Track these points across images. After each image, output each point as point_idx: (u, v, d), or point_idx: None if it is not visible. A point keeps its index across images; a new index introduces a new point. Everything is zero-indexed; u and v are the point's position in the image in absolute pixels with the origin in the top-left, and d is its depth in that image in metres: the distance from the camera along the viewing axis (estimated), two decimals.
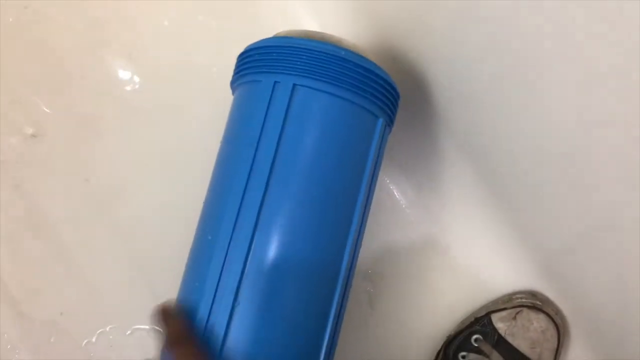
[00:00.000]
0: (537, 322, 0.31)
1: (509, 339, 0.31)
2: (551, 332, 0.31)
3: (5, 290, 0.32)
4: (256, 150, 0.24)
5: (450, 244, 0.34)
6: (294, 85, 0.25)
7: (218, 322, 0.23)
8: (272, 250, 0.24)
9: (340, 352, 0.34)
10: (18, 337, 0.32)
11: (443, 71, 0.30)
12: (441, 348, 0.32)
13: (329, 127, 0.25)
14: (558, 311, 0.31)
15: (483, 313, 0.32)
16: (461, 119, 0.32)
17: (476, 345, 0.31)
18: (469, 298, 0.33)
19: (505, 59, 0.25)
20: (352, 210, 0.26)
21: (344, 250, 0.26)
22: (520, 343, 0.31)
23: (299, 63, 0.25)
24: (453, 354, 0.31)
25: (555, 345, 0.31)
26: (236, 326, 0.23)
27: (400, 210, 0.35)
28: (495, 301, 0.32)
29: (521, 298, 0.31)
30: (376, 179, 0.27)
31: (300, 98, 0.25)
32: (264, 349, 0.24)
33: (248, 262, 0.24)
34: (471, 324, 0.32)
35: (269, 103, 0.25)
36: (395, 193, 0.36)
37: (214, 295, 0.23)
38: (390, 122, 0.28)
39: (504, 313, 0.31)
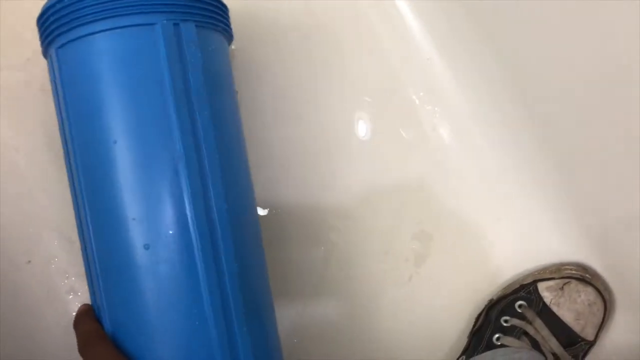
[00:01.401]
0: (585, 295, 0.31)
1: (554, 309, 0.31)
2: (598, 306, 0.30)
3: (57, 217, 0.33)
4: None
5: (503, 212, 0.34)
6: (196, 27, 0.24)
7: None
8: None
9: (382, 308, 0.34)
10: (68, 262, 0.33)
11: None
12: (482, 311, 0.33)
13: (215, 60, 0.25)
14: (607, 287, 0.31)
15: (530, 280, 0.32)
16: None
17: (520, 311, 0.31)
18: (516, 265, 0.33)
19: None
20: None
21: None
22: (564, 313, 0.31)
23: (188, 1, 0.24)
24: (495, 317, 0.31)
25: (600, 321, 0.31)
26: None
27: (453, 175, 0.35)
28: (543, 270, 0.32)
29: (571, 270, 0.31)
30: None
31: (189, 37, 0.24)
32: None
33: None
34: (516, 290, 0.32)
35: (180, 53, 0.23)
36: None
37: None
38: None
39: (551, 282, 0.31)
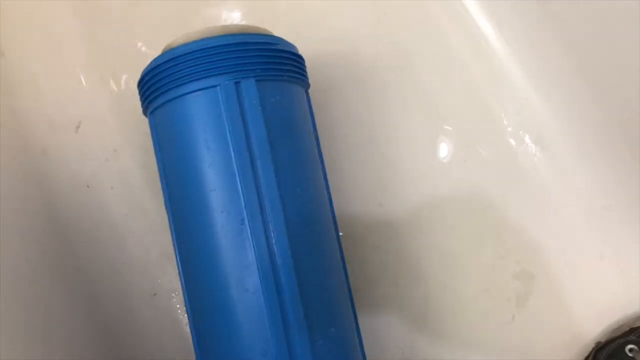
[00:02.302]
0: None
1: None
2: None
3: None
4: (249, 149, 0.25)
5: (607, 250, 0.34)
6: (257, 81, 0.26)
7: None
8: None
9: (485, 347, 0.35)
10: None
11: None
12: (590, 353, 0.32)
13: (279, 110, 0.27)
14: None
15: None
16: None
17: (631, 355, 0.30)
18: (624, 306, 0.33)
19: None
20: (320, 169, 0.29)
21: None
22: None
23: (248, 59, 0.26)
24: None
25: None
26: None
27: (553, 213, 0.35)
28: None
29: None
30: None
31: (262, 92, 0.26)
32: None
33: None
34: (625, 333, 0.31)
35: (240, 108, 0.26)
36: None
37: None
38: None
39: None
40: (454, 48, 0.38)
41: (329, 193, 0.30)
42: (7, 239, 0.32)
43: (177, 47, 0.27)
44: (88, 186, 0.36)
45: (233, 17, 0.38)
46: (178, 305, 0.35)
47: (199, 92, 0.26)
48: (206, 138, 0.26)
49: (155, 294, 0.35)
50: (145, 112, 0.30)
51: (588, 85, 0.35)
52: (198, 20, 0.38)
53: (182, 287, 0.28)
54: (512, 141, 0.37)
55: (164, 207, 0.36)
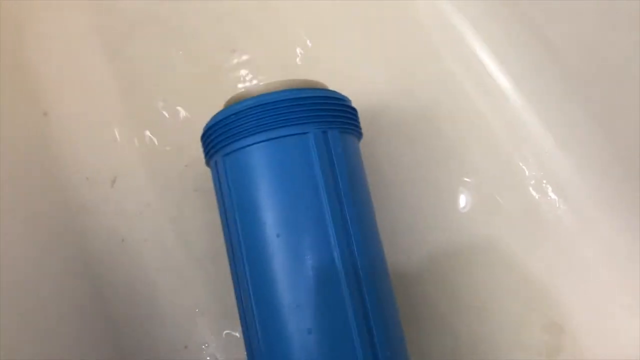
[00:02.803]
0: None
1: None
2: None
3: (210, 307, 0.36)
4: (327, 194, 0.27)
5: (634, 303, 0.34)
6: (340, 132, 0.28)
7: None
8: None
9: None
10: (216, 348, 0.36)
11: None
12: None
13: (353, 160, 0.29)
14: None
15: None
16: None
17: None
18: None
19: None
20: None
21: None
22: None
23: (333, 112, 0.29)
24: None
25: None
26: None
27: (580, 264, 0.35)
28: None
29: None
30: None
31: (344, 142, 0.29)
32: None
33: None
34: None
35: (328, 154, 0.27)
36: None
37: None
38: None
39: None
40: (473, 102, 0.39)
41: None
42: (46, 294, 0.33)
43: (263, 95, 0.28)
44: (123, 240, 0.37)
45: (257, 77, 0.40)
46: (208, 358, 0.36)
47: (288, 138, 0.28)
48: (295, 179, 0.27)
49: (186, 347, 0.36)
50: (211, 159, 0.30)
51: (607, 137, 0.36)
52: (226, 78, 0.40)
53: (252, 328, 0.27)
54: (535, 193, 0.37)
55: (196, 261, 0.37)
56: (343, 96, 0.31)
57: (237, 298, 0.29)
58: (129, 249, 0.37)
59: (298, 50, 0.41)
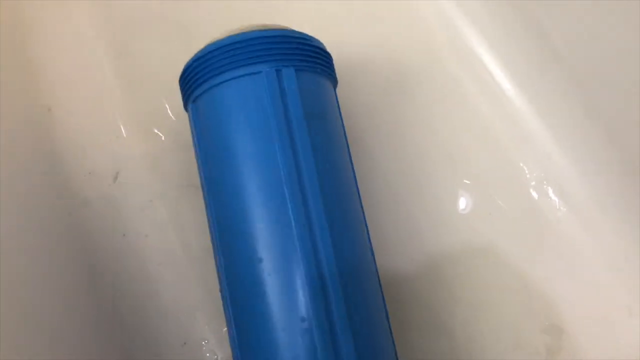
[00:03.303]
0: None
1: None
2: None
3: (209, 302, 0.36)
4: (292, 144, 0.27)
5: (633, 305, 0.34)
6: (296, 71, 0.28)
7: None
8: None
9: None
10: (216, 344, 0.36)
11: None
12: None
13: (316, 100, 0.29)
14: None
15: None
16: None
17: None
18: None
19: None
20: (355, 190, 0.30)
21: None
22: None
23: (288, 51, 0.28)
24: None
25: None
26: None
27: (580, 267, 0.35)
28: None
29: None
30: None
31: (303, 82, 0.28)
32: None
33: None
34: None
35: (281, 92, 0.27)
36: None
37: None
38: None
39: None
40: (475, 105, 0.40)
41: (359, 196, 0.31)
42: (46, 288, 0.33)
43: (222, 39, 0.29)
44: (124, 235, 0.37)
45: None
46: (208, 354, 0.36)
47: (243, 77, 0.28)
48: (249, 119, 0.27)
49: (185, 344, 0.36)
50: (186, 105, 0.31)
51: (608, 139, 0.36)
52: None
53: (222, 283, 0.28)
54: (535, 195, 0.37)
55: (196, 257, 0.37)
56: (307, 35, 0.30)
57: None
58: (130, 244, 0.37)
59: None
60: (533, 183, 0.37)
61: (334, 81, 0.32)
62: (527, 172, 0.38)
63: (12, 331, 0.29)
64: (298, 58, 0.29)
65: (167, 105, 0.39)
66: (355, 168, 0.31)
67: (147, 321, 0.36)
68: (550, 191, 0.37)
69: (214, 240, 0.29)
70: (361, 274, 0.28)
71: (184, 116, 0.39)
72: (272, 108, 0.27)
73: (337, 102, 0.32)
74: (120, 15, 0.42)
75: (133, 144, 0.39)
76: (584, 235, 0.36)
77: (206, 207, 0.29)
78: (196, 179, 0.37)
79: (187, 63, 0.30)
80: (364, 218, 0.30)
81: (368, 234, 0.30)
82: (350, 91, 0.39)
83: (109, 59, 0.41)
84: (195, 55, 0.30)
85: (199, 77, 0.29)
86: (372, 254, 0.30)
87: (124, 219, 0.37)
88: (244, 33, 0.29)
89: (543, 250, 0.36)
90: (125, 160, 0.39)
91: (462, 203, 0.38)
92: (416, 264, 0.37)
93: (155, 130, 0.39)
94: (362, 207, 0.30)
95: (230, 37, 0.29)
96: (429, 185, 0.38)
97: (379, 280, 0.29)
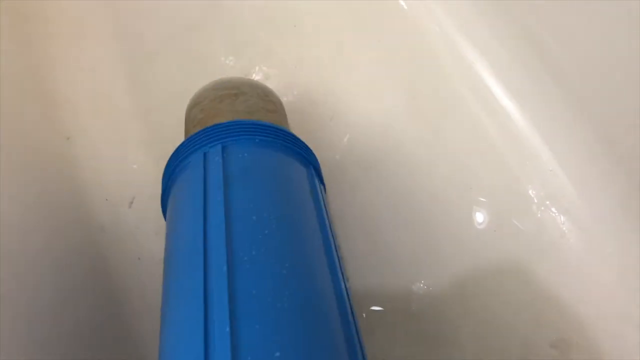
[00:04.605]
0: None
1: None
2: None
3: None
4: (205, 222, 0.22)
5: None
6: (223, 147, 0.26)
7: None
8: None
9: None
10: None
11: None
12: None
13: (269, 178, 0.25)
14: None
15: None
16: None
17: None
18: None
19: None
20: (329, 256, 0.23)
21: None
22: None
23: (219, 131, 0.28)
24: None
25: None
26: None
27: (589, 281, 0.36)
28: None
29: None
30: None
31: (233, 158, 0.26)
32: None
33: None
34: None
35: (204, 168, 0.25)
36: None
37: None
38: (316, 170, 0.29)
39: None
40: (481, 126, 0.41)
41: (333, 264, 0.24)
42: (63, 312, 0.34)
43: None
44: (139, 259, 0.38)
45: None
46: None
47: (181, 171, 0.29)
48: (180, 204, 0.27)
49: None
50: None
51: (613, 156, 0.37)
52: None
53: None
54: (540, 212, 0.38)
55: None
56: (250, 121, 0.29)
57: None
58: (144, 268, 0.38)
59: (315, 77, 0.42)
60: (537, 200, 0.38)
61: (304, 160, 0.29)
62: (530, 189, 0.39)
63: (23, 357, 0.30)
64: (232, 136, 0.28)
65: (180, 132, 0.41)
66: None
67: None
68: (553, 208, 0.38)
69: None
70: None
71: None
72: (194, 187, 0.25)
73: (315, 181, 0.29)
74: (138, 46, 0.43)
75: (148, 171, 0.40)
76: (591, 249, 0.37)
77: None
78: None
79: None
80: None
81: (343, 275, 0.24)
82: (357, 112, 0.41)
83: (125, 89, 0.42)
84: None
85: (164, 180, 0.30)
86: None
87: (139, 243, 0.38)
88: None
89: (551, 265, 0.37)
90: (140, 186, 0.40)
91: (473, 221, 0.38)
92: (430, 281, 0.37)
93: (169, 155, 0.40)
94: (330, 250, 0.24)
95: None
96: (438, 204, 0.39)
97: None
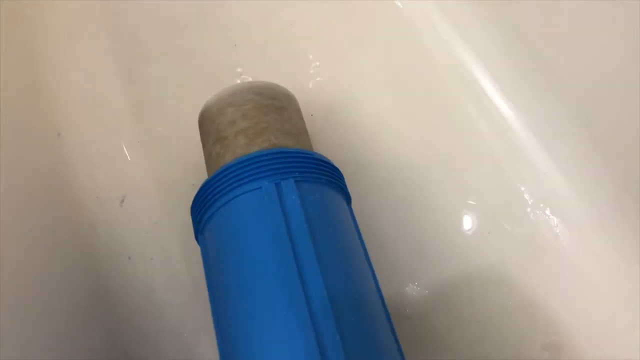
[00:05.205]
0: None
1: None
2: None
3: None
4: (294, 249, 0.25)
5: (634, 322, 0.34)
6: (296, 181, 0.27)
7: None
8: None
9: None
10: None
11: None
12: None
13: (319, 209, 0.28)
14: None
15: None
16: None
17: None
18: None
19: None
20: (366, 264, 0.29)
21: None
22: None
23: (287, 164, 0.28)
24: None
25: None
26: None
27: (580, 283, 0.36)
28: None
29: None
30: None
31: (301, 190, 0.27)
32: None
33: None
34: None
35: (281, 203, 0.26)
36: None
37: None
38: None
39: None
40: (475, 128, 0.41)
41: (375, 279, 0.29)
42: (51, 311, 0.34)
43: (224, 166, 0.29)
44: (129, 258, 0.38)
45: None
46: None
47: (244, 195, 0.27)
48: (250, 235, 0.26)
49: None
50: (197, 237, 0.31)
51: (606, 157, 0.37)
52: None
53: None
54: (534, 214, 0.38)
55: (199, 279, 0.37)
56: (307, 151, 0.30)
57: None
58: (134, 267, 0.37)
59: (309, 75, 0.42)
60: (531, 202, 0.38)
61: (346, 195, 0.31)
62: (524, 191, 0.38)
63: (15, 355, 0.30)
64: (298, 170, 0.28)
65: (174, 131, 0.41)
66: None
67: (151, 342, 0.36)
68: (547, 210, 0.38)
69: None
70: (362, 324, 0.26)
71: (191, 141, 0.41)
72: (272, 220, 0.26)
73: (351, 212, 0.31)
74: (131, 44, 0.43)
75: (139, 168, 0.40)
76: (584, 253, 0.37)
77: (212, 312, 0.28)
78: None
79: (194, 198, 0.30)
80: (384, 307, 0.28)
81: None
82: (349, 111, 0.41)
83: (118, 86, 0.42)
84: (199, 189, 0.29)
85: (202, 208, 0.29)
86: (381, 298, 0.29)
87: (130, 242, 0.38)
88: (244, 156, 0.29)
89: (543, 268, 0.37)
90: (131, 184, 0.40)
91: (466, 223, 0.38)
92: (423, 284, 0.37)
93: (161, 154, 0.40)
94: (382, 300, 0.29)
95: (231, 162, 0.29)
96: (430, 207, 0.39)
97: (386, 310, 0.28)
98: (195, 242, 0.38)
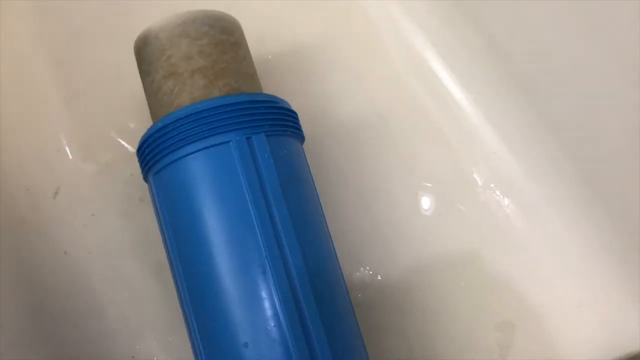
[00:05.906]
0: None
1: None
2: None
3: (158, 319, 0.35)
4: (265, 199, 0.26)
5: (586, 298, 0.34)
6: (266, 136, 0.27)
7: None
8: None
9: None
10: None
11: None
12: None
13: (288, 164, 0.28)
14: None
15: None
16: None
17: None
18: (605, 352, 0.33)
19: None
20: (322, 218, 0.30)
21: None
22: None
23: (257, 117, 0.27)
24: None
25: None
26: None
27: (530, 262, 0.36)
28: (633, 358, 0.32)
29: None
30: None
31: (272, 146, 0.27)
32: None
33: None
34: None
35: (254, 160, 0.26)
36: None
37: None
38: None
39: None
40: (426, 108, 0.40)
41: (332, 241, 0.30)
42: None
43: (183, 109, 0.27)
44: (65, 252, 0.35)
45: None
46: None
47: (211, 149, 0.26)
48: (221, 191, 0.26)
49: (133, 357, 0.34)
50: (146, 177, 0.29)
51: (555, 136, 0.37)
52: None
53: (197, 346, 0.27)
54: (485, 194, 0.38)
55: (143, 272, 0.36)
56: (273, 97, 0.30)
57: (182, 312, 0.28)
58: (72, 262, 0.35)
59: None
60: (482, 183, 0.38)
61: (302, 139, 0.31)
62: (476, 172, 0.38)
63: None
64: (268, 124, 0.28)
65: (110, 118, 0.38)
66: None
67: (93, 339, 0.34)
68: (498, 190, 0.38)
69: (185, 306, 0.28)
70: (330, 281, 0.28)
71: (127, 128, 0.38)
72: (247, 179, 0.26)
73: (306, 158, 0.31)
74: (61, 25, 0.40)
75: (74, 158, 0.38)
76: (535, 232, 0.37)
77: (175, 280, 0.28)
78: (142, 193, 0.37)
79: (146, 134, 0.28)
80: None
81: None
82: (302, 95, 0.39)
83: (50, 69, 0.39)
84: (154, 126, 0.28)
85: (161, 149, 0.27)
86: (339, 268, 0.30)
87: (65, 236, 0.36)
88: (207, 100, 0.27)
89: (495, 248, 0.37)
90: (66, 175, 0.37)
91: (418, 206, 0.38)
92: (376, 269, 0.36)
93: (97, 143, 0.38)
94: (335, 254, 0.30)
95: (192, 105, 0.27)
96: (386, 190, 0.38)
97: (346, 287, 0.29)
98: (135, 234, 0.36)
